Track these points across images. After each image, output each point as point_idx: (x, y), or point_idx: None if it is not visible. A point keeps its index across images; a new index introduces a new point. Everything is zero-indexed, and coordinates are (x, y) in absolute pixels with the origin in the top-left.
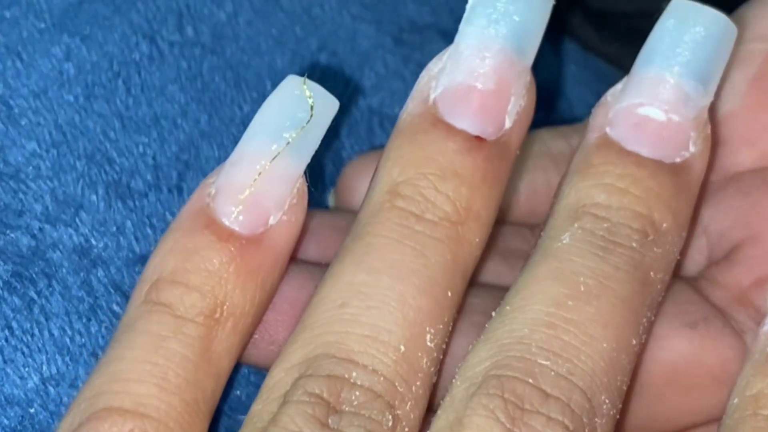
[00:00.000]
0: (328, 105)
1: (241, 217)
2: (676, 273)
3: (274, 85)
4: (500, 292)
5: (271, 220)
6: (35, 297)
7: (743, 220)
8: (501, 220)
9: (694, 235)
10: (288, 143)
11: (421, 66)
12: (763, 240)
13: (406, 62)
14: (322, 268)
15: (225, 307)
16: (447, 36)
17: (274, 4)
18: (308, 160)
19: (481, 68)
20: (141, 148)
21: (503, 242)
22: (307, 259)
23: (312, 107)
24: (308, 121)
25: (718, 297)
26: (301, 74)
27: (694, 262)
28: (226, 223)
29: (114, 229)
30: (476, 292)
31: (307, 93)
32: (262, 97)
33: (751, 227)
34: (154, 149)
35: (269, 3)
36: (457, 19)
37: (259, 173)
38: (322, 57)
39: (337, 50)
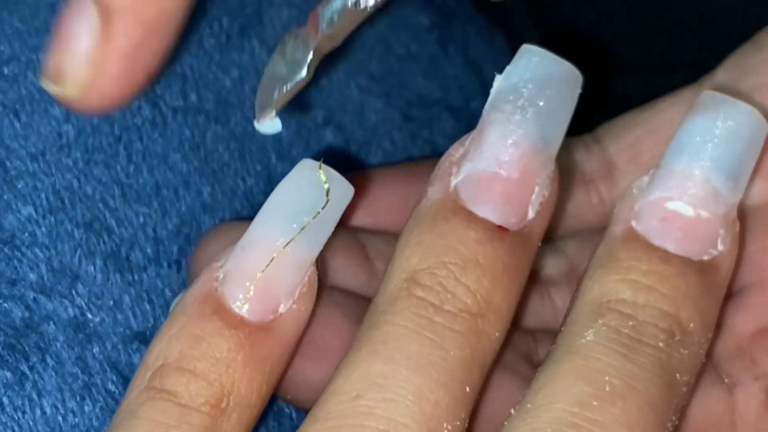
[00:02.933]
0: (343, 191)
1: (250, 305)
2: None
3: (279, 158)
4: None
5: (281, 309)
6: (27, 372)
7: (753, 262)
8: None
9: None
10: (302, 229)
11: (430, 144)
12: None
13: (414, 139)
14: (357, 309)
15: (231, 397)
16: (455, 113)
17: None
18: (321, 248)
19: (506, 156)
20: (141, 219)
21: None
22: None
23: (327, 193)
24: (323, 207)
25: (716, 347)
26: (306, 146)
27: None
28: (235, 309)
29: (111, 303)
30: None
31: (323, 178)
32: (266, 169)
33: (761, 272)
34: (155, 220)
35: None
36: (467, 97)
37: (271, 259)
38: (328, 131)
39: (343, 123)
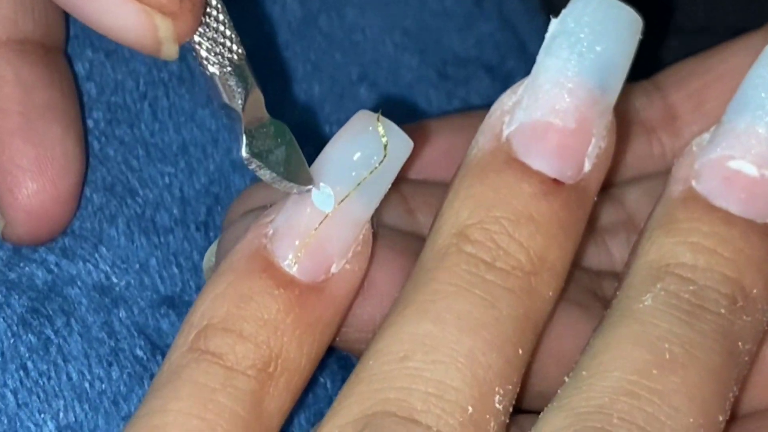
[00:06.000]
0: (401, 145)
1: (301, 264)
2: None
3: (311, 115)
4: None
5: (334, 269)
6: (52, 336)
7: None
8: None
9: None
10: (358, 185)
11: (466, 103)
12: None
13: (450, 98)
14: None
15: (280, 360)
16: (491, 72)
17: (312, 26)
18: (377, 205)
19: (561, 104)
20: (167, 179)
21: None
22: None
23: (386, 147)
24: (381, 161)
25: None
26: (340, 103)
27: None
28: (285, 268)
29: (137, 266)
30: None
31: (381, 131)
32: (297, 126)
33: None
34: (181, 180)
35: (308, 25)
36: (502, 56)
37: (325, 216)
38: (362, 87)
39: (378, 80)
